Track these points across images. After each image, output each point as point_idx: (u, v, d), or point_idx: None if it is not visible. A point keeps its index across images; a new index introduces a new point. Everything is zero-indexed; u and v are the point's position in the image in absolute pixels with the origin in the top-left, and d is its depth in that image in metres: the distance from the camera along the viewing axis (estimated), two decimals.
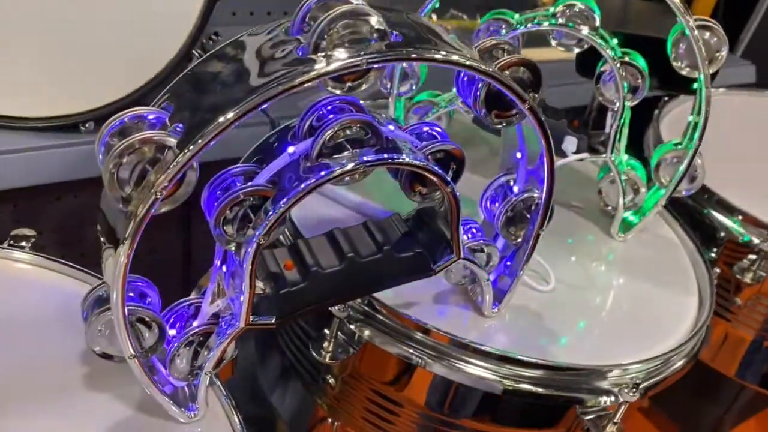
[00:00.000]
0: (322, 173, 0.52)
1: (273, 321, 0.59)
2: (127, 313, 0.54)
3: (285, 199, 0.52)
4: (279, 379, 0.95)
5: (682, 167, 0.87)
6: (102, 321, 0.55)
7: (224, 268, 0.59)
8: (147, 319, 0.56)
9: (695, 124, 0.86)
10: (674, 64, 0.84)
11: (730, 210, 1.05)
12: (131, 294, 0.56)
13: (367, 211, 0.81)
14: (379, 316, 0.71)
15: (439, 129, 0.61)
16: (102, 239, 0.53)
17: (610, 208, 0.94)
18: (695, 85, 0.85)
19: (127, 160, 0.47)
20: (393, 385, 0.76)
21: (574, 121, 0.91)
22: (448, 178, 0.58)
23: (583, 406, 0.72)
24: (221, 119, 0.46)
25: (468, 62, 0.51)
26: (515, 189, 0.69)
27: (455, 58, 0.50)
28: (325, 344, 0.73)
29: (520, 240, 0.70)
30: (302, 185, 0.52)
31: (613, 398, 0.71)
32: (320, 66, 0.47)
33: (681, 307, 0.84)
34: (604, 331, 0.77)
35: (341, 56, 0.47)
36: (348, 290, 0.63)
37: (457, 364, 0.70)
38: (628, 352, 0.74)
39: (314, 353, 0.74)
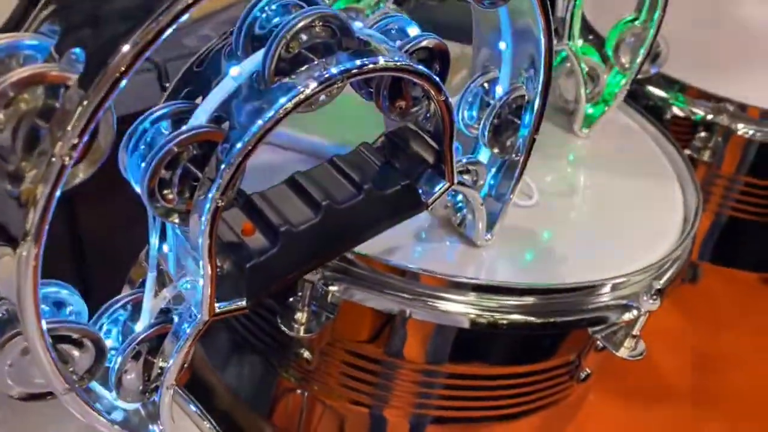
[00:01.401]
0: (291, 96, 0.38)
1: (245, 304, 0.45)
2: (47, 334, 0.38)
3: (244, 140, 0.37)
4: (230, 356, 0.81)
5: (645, 46, 0.78)
6: (12, 353, 0.39)
7: (165, 247, 0.43)
8: (75, 336, 0.40)
9: None
10: None
11: (670, 83, 0.98)
12: (44, 306, 0.40)
13: (320, 151, 0.66)
14: (358, 270, 0.59)
15: (409, 22, 0.48)
16: None
17: (568, 103, 0.85)
18: None
19: (5, 116, 0.30)
20: (381, 344, 0.64)
21: None
22: (441, 84, 0.45)
23: (599, 326, 0.63)
24: (151, 23, 0.30)
25: None
26: (498, 90, 0.57)
27: None
28: (297, 315, 0.60)
29: (509, 151, 0.59)
30: (267, 116, 0.37)
31: (634, 311, 0.63)
32: None
33: (667, 195, 0.76)
34: (603, 239, 0.69)
35: None
36: (328, 247, 0.49)
37: (461, 307, 0.59)
38: (634, 257, 0.66)
39: (284, 327, 0.60)
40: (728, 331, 1.28)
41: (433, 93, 0.45)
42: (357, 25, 0.43)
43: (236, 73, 0.39)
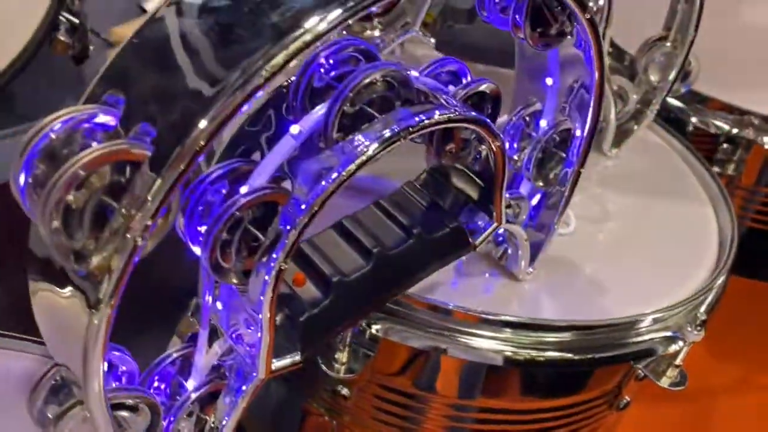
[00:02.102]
0: (355, 157, 0.37)
1: (299, 359, 0.44)
2: (108, 405, 0.37)
3: (308, 203, 0.36)
4: None
5: (676, 66, 0.77)
6: (71, 423, 0.38)
7: (219, 305, 0.42)
8: (132, 402, 0.39)
9: (685, 13, 0.76)
10: None
11: (691, 95, 0.96)
12: None
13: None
14: (398, 308, 0.57)
15: (456, 65, 0.47)
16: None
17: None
18: None
19: (75, 199, 0.29)
20: (415, 379, 0.63)
21: None
22: (497, 131, 0.44)
23: (643, 360, 0.63)
24: (225, 98, 0.29)
25: None
26: (543, 123, 0.56)
27: None
28: (338, 355, 0.59)
29: (552, 183, 0.58)
30: (331, 178, 0.36)
31: (679, 343, 0.62)
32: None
33: (700, 218, 0.75)
34: (641, 267, 0.67)
35: None
36: (380, 293, 0.48)
37: (497, 344, 0.58)
38: (674, 286, 0.65)
39: (325, 368, 0.59)
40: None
41: (490, 140, 0.44)
42: (413, 74, 0.41)
43: (297, 131, 0.38)
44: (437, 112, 0.39)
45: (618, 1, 0.87)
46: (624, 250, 0.69)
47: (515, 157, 0.58)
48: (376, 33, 0.34)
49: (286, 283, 0.46)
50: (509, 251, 0.61)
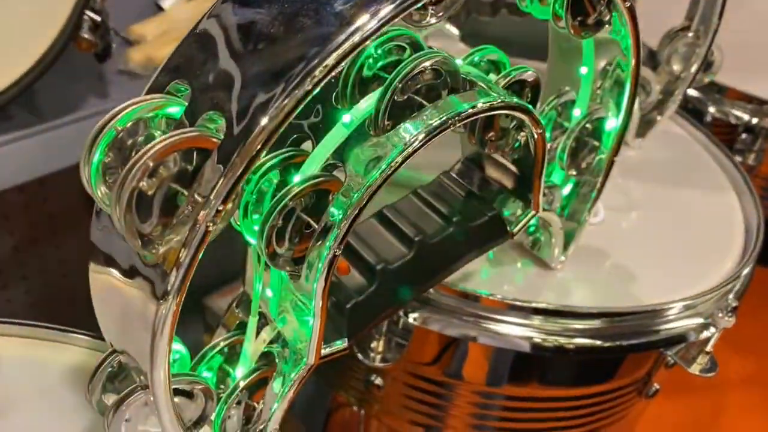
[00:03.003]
0: (407, 144, 0.37)
1: (345, 345, 0.45)
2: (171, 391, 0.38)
3: (362, 191, 0.37)
4: None
5: (700, 56, 0.77)
6: (132, 408, 0.38)
7: (269, 292, 0.43)
8: (189, 388, 0.40)
9: (707, 2, 0.76)
10: None
11: (709, 85, 0.97)
12: None
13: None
14: (434, 297, 0.58)
15: (496, 54, 0.47)
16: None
17: None
18: None
19: (147, 186, 0.30)
20: (445, 367, 0.64)
21: None
22: (541, 119, 0.44)
23: (673, 347, 0.63)
24: (296, 89, 0.29)
25: None
26: (576, 112, 0.56)
27: None
28: (374, 344, 0.60)
29: (585, 173, 0.58)
30: (384, 165, 0.37)
31: (711, 329, 0.62)
32: None
33: (725, 205, 0.76)
34: (670, 255, 0.68)
35: None
36: (422, 281, 0.49)
37: (530, 331, 0.59)
38: (702, 273, 0.66)
39: (362, 357, 0.60)
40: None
41: (533, 127, 0.44)
42: (458, 62, 0.42)
43: (348, 120, 0.38)
44: (484, 100, 0.40)
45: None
46: (651, 238, 0.70)
47: (547, 147, 0.58)
48: (433, 20, 0.34)
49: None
50: (542, 239, 0.61)
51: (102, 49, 0.89)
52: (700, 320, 0.63)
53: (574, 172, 0.58)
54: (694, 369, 0.64)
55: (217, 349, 0.46)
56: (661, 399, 0.69)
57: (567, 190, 0.60)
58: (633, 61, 0.49)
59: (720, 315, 0.62)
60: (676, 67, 0.80)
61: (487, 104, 0.40)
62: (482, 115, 0.40)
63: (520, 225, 0.52)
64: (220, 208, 0.30)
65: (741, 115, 0.96)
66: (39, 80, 0.81)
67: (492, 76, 0.46)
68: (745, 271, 0.67)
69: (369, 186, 0.37)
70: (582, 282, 0.63)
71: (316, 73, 0.32)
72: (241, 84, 0.31)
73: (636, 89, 0.51)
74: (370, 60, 0.40)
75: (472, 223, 0.50)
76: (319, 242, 0.38)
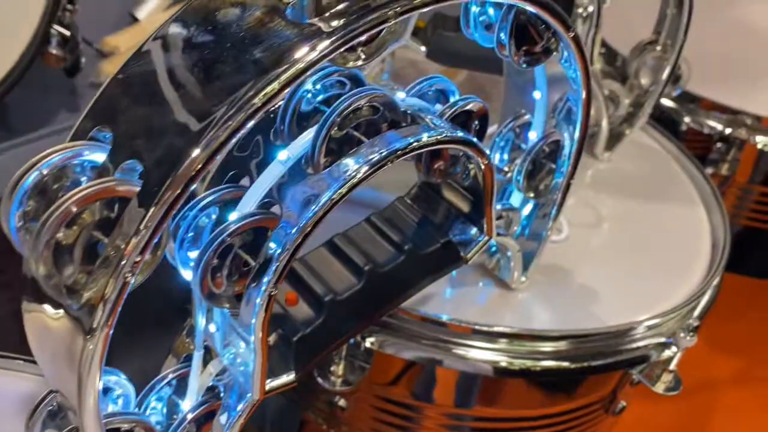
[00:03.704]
0: (343, 181, 0.37)
1: (293, 378, 0.44)
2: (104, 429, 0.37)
3: (298, 227, 0.37)
4: None
5: (667, 70, 0.77)
6: None
7: (213, 327, 0.43)
8: (129, 427, 0.40)
9: (674, 17, 0.76)
10: None
11: (683, 95, 0.96)
12: None
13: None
14: (392, 321, 0.58)
15: (443, 83, 0.47)
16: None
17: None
18: None
19: (65, 236, 0.30)
20: (412, 389, 0.64)
21: None
22: (486, 150, 0.44)
23: (636, 366, 0.63)
24: (216, 129, 0.29)
25: None
26: (532, 135, 0.56)
27: None
28: (333, 368, 0.59)
29: (543, 194, 0.58)
30: (320, 202, 0.36)
31: (672, 348, 0.62)
32: (333, 32, 0.31)
33: (693, 220, 0.76)
34: (635, 273, 0.68)
35: (356, 11, 0.32)
36: (372, 311, 0.49)
37: (493, 355, 0.59)
38: (668, 291, 0.66)
39: (321, 381, 0.60)
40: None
41: (479, 159, 0.44)
42: (399, 96, 0.42)
43: (285, 157, 0.38)
44: (424, 135, 0.40)
45: (613, 2, 0.88)
46: (617, 255, 0.70)
47: (506, 168, 0.58)
48: (359, 63, 0.34)
49: (279, 303, 0.46)
50: (502, 261, 0.61)
51: (71, 63, 0.89)
52: (663, 339, 0.63)
53: (532, 194, 0.58)
54: (659, 388, 0.64)
55: (166, 380, 0.45)
56: (650, 400, 0.69)
57: (527, 210, 0.60)
58: (583, 91, 0.48)
59: (682, 335, 0.62)
60: (645, 80, 0.80)
61: (427, 140, 0.39)
62: (422, 150, 0.40)
63: (473, 251, 0.52)
64: (138, 259, 0.29)
65: (715, 125, 0.96)
66: (8, 95, 0.81)
67: (439, 107, 0.45)
68: (710, 288, 0.67)
69: (303, 226, 0.37)
70: (544, 302, 0.63)
71: (255, 101, 0.32)
72: (161, 131, 0.31)
73: (588, 116, 0.51)
74: (309, 95, 0.40)
75: (424, 250, 0.50)
76: (256, 281, 0.38)
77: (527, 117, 0.56)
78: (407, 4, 0.32)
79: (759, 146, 0.94)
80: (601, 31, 0.75)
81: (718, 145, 0.97)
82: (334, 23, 0.31)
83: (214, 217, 0.39)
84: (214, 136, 0.31)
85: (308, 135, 0.38)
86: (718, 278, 0.67)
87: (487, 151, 0.45)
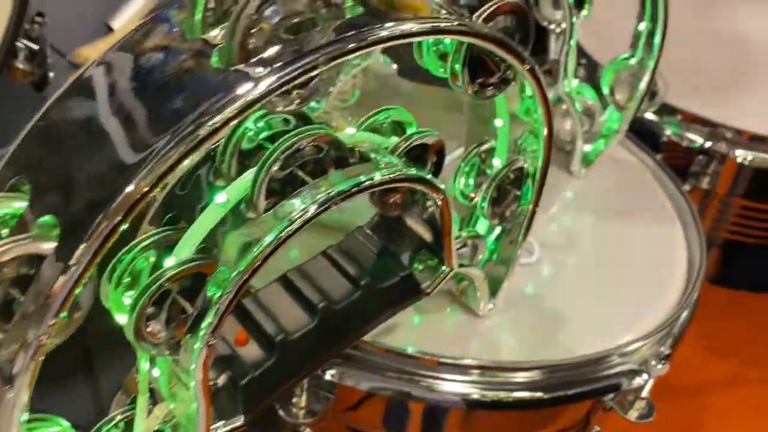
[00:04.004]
0: (284, 227, 0.35)
1: (242, 422, 0.43)
2: None
3: (235, 277, 0.35)
4: None
5: (642, 86, 0.76)
6: None
7: (156, 372, 0.41)
8: None
9: (649, 32, 0.75)
10: None
11: (663, 107, 0.95)
12: None
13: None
14: (355, 352, 0.56)
15: (399, 115, 0.45)
16: None
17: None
18: None
19: None
20: (381, 421, 0.62)
21: None
22: (441, 185, 0.43)
23: (608, 395, 0.62)
24: (129, 189, 0.28)
25: (458, 26, 0.35)
26: (496, 162, 0.54)
27: (444, 26, 0.34)
28: (295, 399, 0.58)
29: (509, 220, 0.57)
30: (259, 248, 0.35)
31: (644, 375, 0.61)
32: (258, 81, 0.29)
33: (669, 240, 0.74)
34: (608, 297, 0.66)
35: (284, 58, 0.30)
36: (326, 349, 0.47)
37: (463, 387, 0.57)
38: (641, 316, 0.64)
39: (283, 414, 0.58)
40: None
41: (433, 195, 0.43)
42: (348, 131, 0.40)
43: (223, 200, 0.37)
44: (374, 174, 0.38)
45: (595, 12, 0.87)
46: (590, 277, 0.68)
47: (471, 194, 0.57)
48: (292, 107, 0.32)
49: (228, 344, 0.45)
50: (469, 288, 0.60)
51: (39, 78, 0.87)
52: (634, 367, 0.61)
53: (497, 221, 0.56)
54: (631, 415, 0.63)
55: (113, 422, 0.44)
56: None
57: (493, 237, 0.58)
58: (545, 125, 0.47)
59: (653, 363, 0.60)
60: (621, 96, 0.78)
61: (374, 180, 0.38)
62: (369, 190, 0.38)
63: (434, 283, 0.50)
64: (52, 321, 0.28)
65: (695, 138, 0.95)
66: None
67: (395, 139, 0.44)
68: (682, 316, 0.65)
69: (241, 273, 0.35)
70: (514, 330, 0.61)
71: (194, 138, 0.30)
72: (86, 177, 0.29)
73: (550, 143, 0.50)
74: (251, 132, 0.38)
75: (382, 284, 0.48)
76: (193, 330, 0.36)
77: (491, 143, 0.54)
78: (336, 51, 0.30)
79: (739, 160, 0.93)
80: (575, 48, 0.74)
81: (699, 158, 0.96)
82: (259, 70, 0.29)
83: (152, 260, 0.37)
84: (150, 171, 0.29)
85: (249, 175, 0.37)
86: (690, 307, 0.66)
87: (443, 186, 0.43)
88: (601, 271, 0.69)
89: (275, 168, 0.36)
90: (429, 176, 0.42)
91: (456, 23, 0.35)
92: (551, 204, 0.76)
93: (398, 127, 0.45)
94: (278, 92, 0.30)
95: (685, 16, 1.03)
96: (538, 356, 0.59)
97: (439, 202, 0.43)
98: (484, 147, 0.55)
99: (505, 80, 0.43)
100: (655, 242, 0.74)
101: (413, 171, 0.41)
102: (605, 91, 0.78)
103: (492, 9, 0.39)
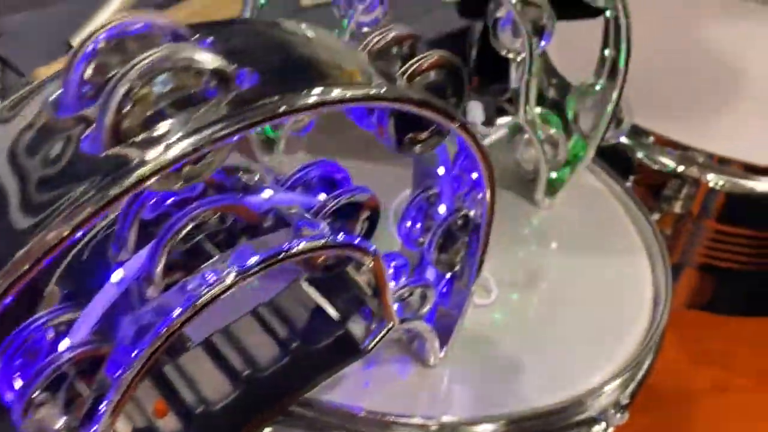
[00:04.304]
0: (183, 309, 0.32)
1: None
2: None
3: (129, 364, 0.32)
4: None
5: (607, 114, 0.73)
6: None
7: None
8: None
9: (613, 60, 0.72)
10: None
11: (637, 130, 0.93)
12: None
13: None
14: (296, 409, 0.53)
15: (329, 168, 0.42)
16: None
17: (528, 173, 0.79)
18: (607, 14, 0.70)
19: None
20: None
21: (471, 80, 0.74)
22: (372, 248, 0.40)
23: None
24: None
25: (372, 92, 0.32)
26: (441, 209, 0.51)
27: (352, 93, 0.31)
28: None
29: (458, 264, 0.54)
30: (156, 332, 0.32)
31: (603, 423, 0.58)
32: (135, 168, 0.26)
33: (635, 275, 0.71)
34: (567, 341, 0.63)
35: (168, 139, 0.27)
36: (253, 419, 0.44)
37: None
38: (602, 360, 0.61)
39: None
40: None
41: (363, 259, 0.40)
42: (263, 196, 0.37)
43: (118, 278, 0.33)
44: (292, 244, 0.35)
45: (567, 31, 0.84)
46: (550, 318, 0.66)
47: (420, 239, 0.54)
48: (175, 187, 0.29)
49: (145, 414, 0.42)
50: (415, 338, 0.57)
51: None
52: (593, 415, 0.59)
53: (446, 269, 0.53)
54: None
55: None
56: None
57: (443, 283, 0.55)
58: (485, 183, 0.44)
59: (612, 412, 0.58)
60: (585, 123, 0.75)
61: (291, 251, 0.35)
62: (285, 262, 0.35)
63: (375, 340, 0.47)
64: None
65: (667, 162, 0.92)
66: None
67: (323, 196, 0.41)
68: (645, 364, 0.63)
69: (138, 358, 0.32)
70: (467, 380, 0.58)
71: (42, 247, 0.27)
72: None
73: (494, 194, 0.47)
74: (153, 199, 0.35)
75: (316, 344, 0.46)
76: (87, 422, 0.33)
77: (436, 189, 0.51)
78: (225, 129, 0.27)
79: (711, 184, 0.91)
80: (536, 76, 0.71)
81: (671, 181, 0.94)
82: (134, 154, 0.26)
83: (49, 339, 0.34)
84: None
85: (146, 252, 0.34)
86: (652, 351, 0.63)
87: (373, 248, 0.40)
88: (562, 311, 0.66)
89: (173, 241, 0.33)
90: (357, 241, 0.39)
91: (364, 91, 0.31)
92: (512, 238, 0.73)
93: (328, 183, 0.42)
94: (157, 177, 0.27)
95: (656, 35, 1.01)
96: (495, 408, 0.56)
97: (371, 267, 0.40)
98: (429, 192, 0.52)
99: (438, 133, 0.40)
100: (620, 279, 0.71)
101: (339, 237, 0.38)
102: (570, 117, 0.76)
103: (415, 66, 0.36)
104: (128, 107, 0.26)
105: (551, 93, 0.97)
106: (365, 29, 0.67)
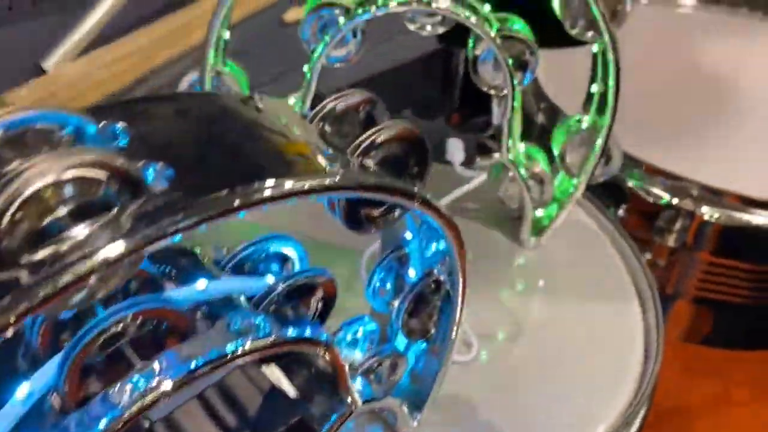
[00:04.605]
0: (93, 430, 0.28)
1: None
2: None
3: None
4: None
5: (595, 153, 0.69)
6: None
7: None
8: None
9: (601, 95, 0.68)
10: (566, 25, 0.64)
11: (628, 160, 0.88)
12: None
13: None
14: None
15: (282, 245, 0.38)
16: None
17: (513, 210, 0.75)
18: (594, 48, 0.66)
19: None
20: None
21: (452, 115, 0.70)
22: (329, 340, 0.36)
23: None
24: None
25: (316, 183, 0.28)
26: (411, 273, 0.47)
27: (290, 186, 0.27)
28: None
29: (431, 335, 0.50)
30: None
31: None
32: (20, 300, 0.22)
33: (625, 323, 0.67)
34: (554, 399, 0.59)
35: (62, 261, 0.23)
36: None
37: None
38: (591, 420, 0.57)
39: None
40: None
41: (318, 351, 0.36)
42: (197, 287, 0.33)
43: (23, 394, 0.29)
44: (223, 349, 0.31)
45: (559, 60, 0.79)
46: (533, 375, 0.61)
47: (391, 302, 0.50)
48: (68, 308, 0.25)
49: None
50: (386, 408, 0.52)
51: None
52: None
53: (417, 336, 0.49)
54: None
55: None
56: None
57: (415, 350, 0.51)
58: (458, 265, 0.40)
59: None
60: (572, 160, 0.71)
61: (225, 357, 0.31)
62: (221, 369, 0.31)
63: (334, 425, 0.43)
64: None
65: (660, 193, 0.88)
66: None
67: (270, 280, 0.37)
68: (638, 418, 0.59)
69: None
70: None
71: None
72: None
73: (464, 271, 0.43)
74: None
75: None
76: None
77: (405, 250, 0.47)
78: (124, 248, 0.23)
79: (705, 217, 0.87)
80: (519, 113, 0.67)
81: (665, 213, 0.90)
82: (25, 277, 0.22)
83: None
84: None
85: (56, 363, 0.29)
86: (644, 407, 0.59)
87: (326, 337, 0.36)
88: (546, 366, 0.62)
89: (84, 352, 0.28)
90: (308, 332, 0.35)
91: (309, 184, 0.27)
92: (496, 282, 0.69)
93: (279, 262, 0.38)
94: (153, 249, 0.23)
95: (648, 59, 0.97)
96: None
97: (325, 361, 0.36)
98: (399, 253, 0.48)
99: (395, 209, 0.36)
100: (610, 325, 0.67)
101: (289, 333, 0.33)
102: (556, 153, 0.71)
103: (368, 143, 0.31)
104: (4, 226, 0.22)
105: (540, 118, 0.93)
106: (337, 65, 0.63)
